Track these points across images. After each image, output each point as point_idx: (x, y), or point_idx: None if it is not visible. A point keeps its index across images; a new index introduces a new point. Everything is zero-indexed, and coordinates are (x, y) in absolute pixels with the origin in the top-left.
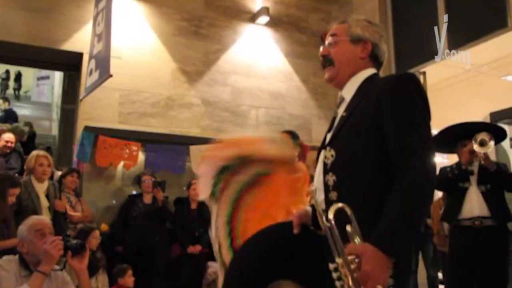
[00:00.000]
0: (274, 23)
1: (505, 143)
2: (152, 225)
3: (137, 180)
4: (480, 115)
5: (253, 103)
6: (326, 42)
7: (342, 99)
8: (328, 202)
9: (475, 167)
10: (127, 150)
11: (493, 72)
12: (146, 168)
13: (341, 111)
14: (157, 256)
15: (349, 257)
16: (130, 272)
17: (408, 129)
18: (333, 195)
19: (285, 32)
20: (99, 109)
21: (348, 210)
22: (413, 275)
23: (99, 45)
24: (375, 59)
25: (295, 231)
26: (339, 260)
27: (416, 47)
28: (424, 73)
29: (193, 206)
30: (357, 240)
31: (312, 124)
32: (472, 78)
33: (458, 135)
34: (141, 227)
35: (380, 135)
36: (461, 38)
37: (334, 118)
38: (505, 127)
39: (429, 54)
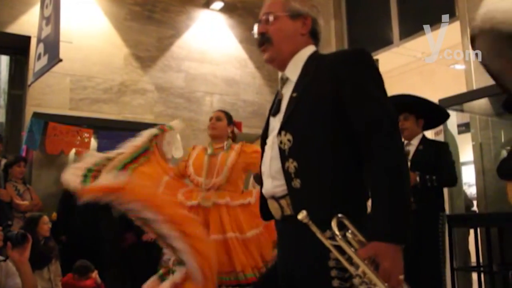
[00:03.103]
0: (228, 9)
1: (453, 129)
2: (97, 212)
3: None
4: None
5: (207, 89)
6: (262, 19)
7: (286, 79)
8: (292, 190)
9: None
10: (79, 137)
11: (442, 61)
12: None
13: (287, 91)
14: (107, 244)
15: (365, 262)
16: (92, 274)
17: (375, 105)
18: (296, 182)
19: (240, 18)
20: (48, 95)
21: (345, 221)
22: None
23: (48, 28)
24: (314, 36)
25: None
26: (359, 270)
27: (370, 35)
28: (377, 60)
29: None
30: (359, 240)
31: (266, 111)
32: (423, 67)
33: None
34: (86, 214)
35: (339, 112)
36: (412, 27)
37: (279, 101)
38: (453, 113)
39: (383, 41)
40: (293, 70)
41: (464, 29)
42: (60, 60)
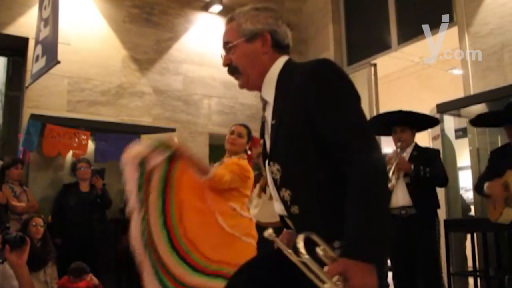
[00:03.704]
0: (227, 12)
1: (451, 134)
2: (92, 214)
3: (72, 168)
4: (427, 106)
5: (205, 92)
6: (224, 49)
7: (265, 102)
8: (292, 216)
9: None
10: (76, 139)
11: (440, 66)
12: (97, 157)
13: (268, 116)
14: (102, 246)
15: (333, 279)
16: (87, 276)
17: (340, 122)
18: (295, 209)
19: None
20: (46, 96)
21: (314, 237)
22: None
23: (46, 30)
24: (279, 46)
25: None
26: (326, 286)
27: (368, 39)
28: (374, 65)
29: None
30: (330, 256)
31: None
32: (420, 71)
33: (390, 121)
34: (80, 216)
35: (315, 133)
36: (410, 32)
37: (263, 124)
38: (451, 118)
39: (381, 46)
40: (268, 91)
41: (462, 33)
42: (58, 62)
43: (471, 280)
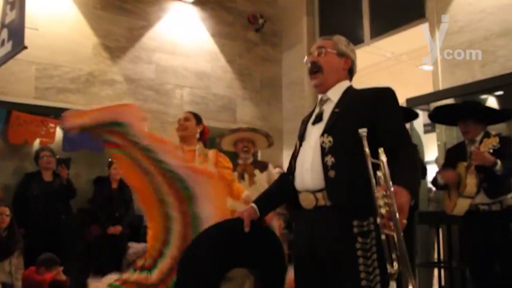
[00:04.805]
0: (201, 2)
1: (420, 129)
2: (56, 204)
3: (35, 157)
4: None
5: (177, 82)
6: (315, 53)
7: (327, 99)
8: (328, 179)
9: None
10: (44, 127)
11: (411, 62)
12: (65, 146)
13: (328, 108)
14: (68, 237)
15: (388, 192)
16: (56, 269)
17: (400, 126)
18: (332, 173)
19: (212, 11)
20: (12, 83)
21: (383, 155)
22: None
23: (12, 13)
24: (350, 73)
25: (246, 229)
26: (382, 193)
27: (342, 33)
28: None
29: (114, 185)
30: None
31: (236, 105)
32: (392, 67)
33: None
34: (44, 206)
35: (370, 128)
36: (382, 27)
37: (320, 114)
38: (420, 112)
39: (354, 40)
40: (335, 93)
41: (433, 30)
42: (25, 47)
43: (436, 272)
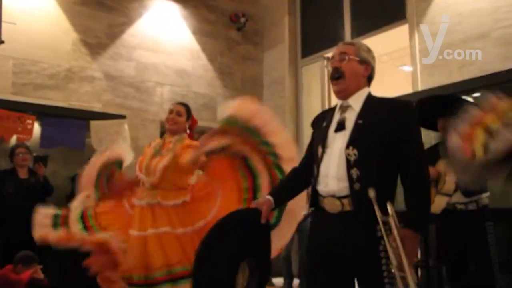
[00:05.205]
0: None
1: None
2: (33, 202)
3: (10, 154)
4: None
5: (158, 79)
6: (338, 58)
7: (348, 106)
8: (353, 190)
9: None
10: (21, 124)
11: (392, 62)
12: (42, 142)
13: (350, 116)
14: None
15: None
16: (35, 267)
17: (417, 144)
18: (357, 186)
19: (194, 9)
20: None
21: (389, 207)
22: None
23: None
24: (369, 79)
25: (263, 221)
26: (390, 242)
27: (323, 32)
28: (328, 58)
29: None
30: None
31: (217, 104)
32: None
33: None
34: (19, 204)
35: (391, 141)
36: (363, 27)
37: (342, 121)
38: None
39: (335, 39)
40: (356, 101)
41: (412, 31)
42: (2, 42)
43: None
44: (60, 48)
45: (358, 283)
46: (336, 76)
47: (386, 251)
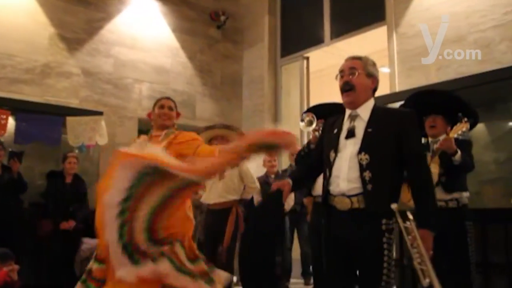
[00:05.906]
0: None
1: None
2: (6, 198)
3: None
4: None
5: (136, 76)
6: (348, 72)
7: (356, 116)
8: (366, 191)
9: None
10: None
11: None
12: (17, 138)
13: (359, 125)
14: (18, 231)
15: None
16: (11, 265)
17: (420, 146)
18: (369, 187)
19: (174, 6)
20: None
21: (410, 215)
22: (289, 252)
23: None
24: (374, 91)
25: (284, 201)
26: (411, 241)
27: (303, 33)
28: (307, 58)
29: (68, 180)
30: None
31: (196, 101)
32: None
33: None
34: None
35: (398, 147)
36: (342, 28)
37: (352, 129)
38: None
39: (315, 40)
40: (364, 111)
41: (391, 33)
42: None
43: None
44: (36, 43)
45: (359, 270)
46: (347, 88)
47: (389, 243)
